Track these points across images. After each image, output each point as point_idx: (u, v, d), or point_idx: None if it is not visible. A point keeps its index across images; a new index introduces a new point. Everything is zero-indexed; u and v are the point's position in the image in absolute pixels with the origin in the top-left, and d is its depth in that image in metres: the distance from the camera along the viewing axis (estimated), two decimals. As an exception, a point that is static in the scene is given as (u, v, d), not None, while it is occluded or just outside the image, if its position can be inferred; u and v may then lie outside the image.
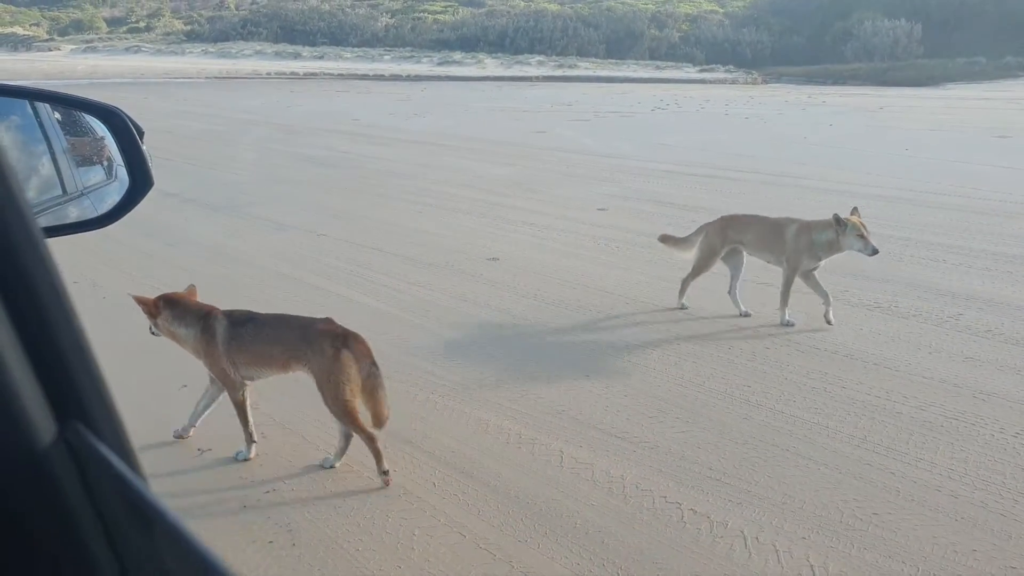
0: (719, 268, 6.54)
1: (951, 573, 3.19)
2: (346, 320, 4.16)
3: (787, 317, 6.09)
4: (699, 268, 6.45)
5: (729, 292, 6.43)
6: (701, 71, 65.10)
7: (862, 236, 5.72)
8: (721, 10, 79.32)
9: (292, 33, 65.86)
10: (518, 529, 3.55)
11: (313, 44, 64.15)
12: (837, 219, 5.80)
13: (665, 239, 6.81)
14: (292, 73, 49.40)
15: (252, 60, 55.90)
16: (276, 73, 48.91)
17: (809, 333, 5.96)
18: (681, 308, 6.48)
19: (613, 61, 65.09)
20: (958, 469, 3.97)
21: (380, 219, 10.29)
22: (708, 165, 15.11)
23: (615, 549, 3.40)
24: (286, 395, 4.68)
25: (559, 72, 58.15)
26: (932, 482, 3.86)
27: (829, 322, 6.00)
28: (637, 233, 9.40)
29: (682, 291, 6.54)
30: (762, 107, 32.26)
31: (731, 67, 68.87)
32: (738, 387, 5.00)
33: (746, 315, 6.29)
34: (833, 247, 5.90)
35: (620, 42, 69.02)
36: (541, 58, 62.99)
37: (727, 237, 6.35)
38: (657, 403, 4.80)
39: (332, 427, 4.09)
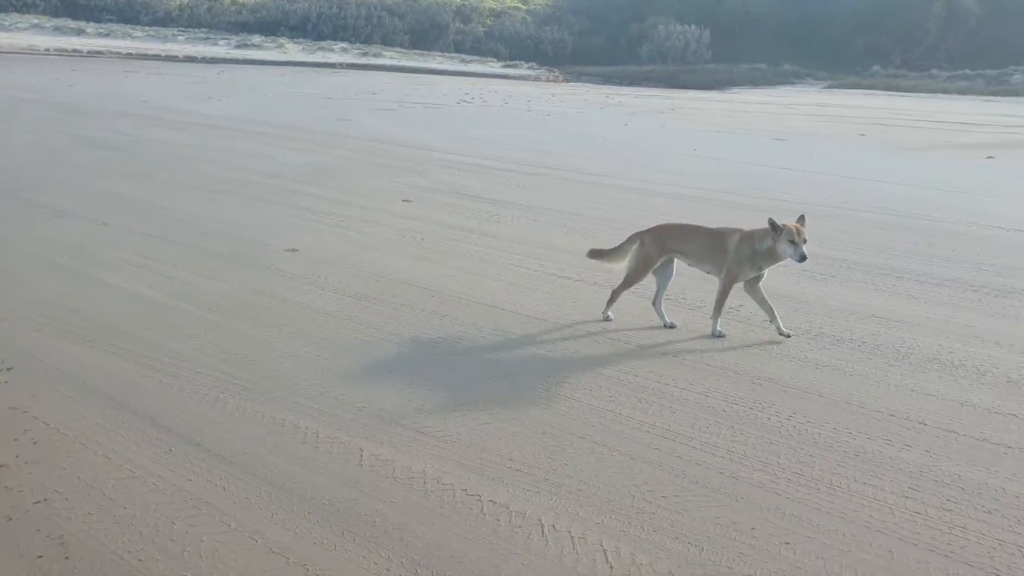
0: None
1: (732, 551, 3.36)
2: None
3: (719, 328, 5.98)
4: (632, 279, 6.15)
5: (654, 303, 6.22)
6: (505, 66, 66.14)
7: (793, 242, 5.62)
8: (524, 7, 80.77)
9: (74, 7, 61.21)
10: (314, 532, 3.44)
11: (99, 20, 59.97)
12: (773, 224, 5.67)
13: (595, 254, 6.48)
14: (74, 50, 45.97)
15: (27, 34, 51.49)
16: (56, 50, 45.37)
17: (606, 326, 6.14)
18: (605, 320, 6.20)
19: (419, 52, 64.90)
20: (738, 451, 4.20)
21: (170, 207, 9.74)
22: (512, 160, 15.35)
23: (414, 545, 3.35)
24: (61, 395, 4.31)
25: (363, 60, 57.30)
26: (715, 464, 4.07)
27: (785, 335, 5.93)
28: (442, 225, 9.41)
29: (610, 302, 6.26)
30: (563, 105, 33.18)
31: (534, 64, 70.38)
32: (539, 378, 5.08)
33: (671, 327, 6.10)
34: (772, 255, 5.78)
35: (425, 33, 68.91)
36: (345, 45, 61.86)
37: (665, 247, 6.09)
38: (460, 397, 4.80)
39: (117, 431, 3.80)
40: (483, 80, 51.87)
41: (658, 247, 6.09)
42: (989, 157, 18.56)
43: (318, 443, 4.18)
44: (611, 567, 3.25)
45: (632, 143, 19.98)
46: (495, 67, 66.75)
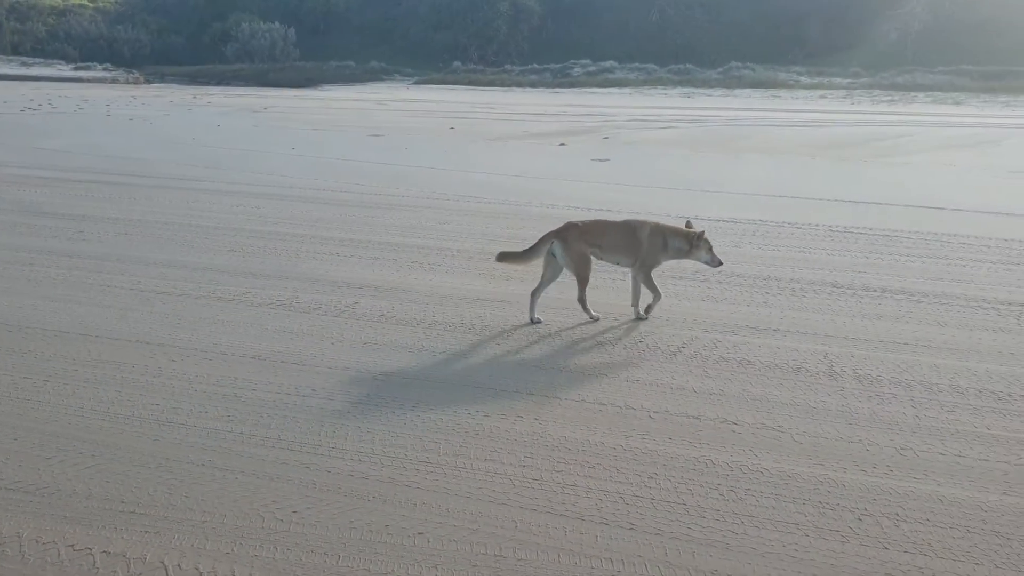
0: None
1: (368, 552, 3.34)
2: None
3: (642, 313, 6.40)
4: (584, 277, 6.27)
5: (532, 293, 6.36)
6: (76, 69, 60.49)
7: (711, 250, 6.31)
8: (91, 5, 74.44)
9: None
10: None
11: None
12: (694, 232, 6.32)
13: (504, 257, 6.50)
14: None
15: None
16: None
17: (206, 345, 5.82)
18: (534, 323, 6.26)
19: (-34, 54, 57.18)
20: (366, 451, 4.20)
21: None
22: (94, 170, 14.05)
23: (11, 625, 2.90)
24: None
25: None
26: (344, 469, 4.02)
27: (642, 317, 6.37)
28: (14, 249, 8.32)
29: (532, 305, 6.33)
30: (147, 108, 31.09)
31: (109, 65, 65.16)
32: (146, 407, 4.67)
33: (538, 322, 6.26)
34: (680, 254, 6.33)
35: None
36: None
37: (588, 243, 6.20)
38: (55, 440, 4.25)
39: None
40: (51, 84, 46.84)
41: (583, 243, 6.19)
42: (562, 144, 20.56)
43: None
44: (247, 597, 3.07)
45: (226, 144, 19.25)
46: (64, 70, 60.77)
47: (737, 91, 51.58)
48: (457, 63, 70.55)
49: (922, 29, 63.19)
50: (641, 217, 6.80)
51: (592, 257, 6.30)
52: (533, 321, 6.28)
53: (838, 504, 3.70)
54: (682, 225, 6.56)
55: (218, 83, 63.77)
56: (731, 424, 4.52)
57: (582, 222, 6.40)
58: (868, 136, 23.40)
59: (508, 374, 5.25)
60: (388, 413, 4.65)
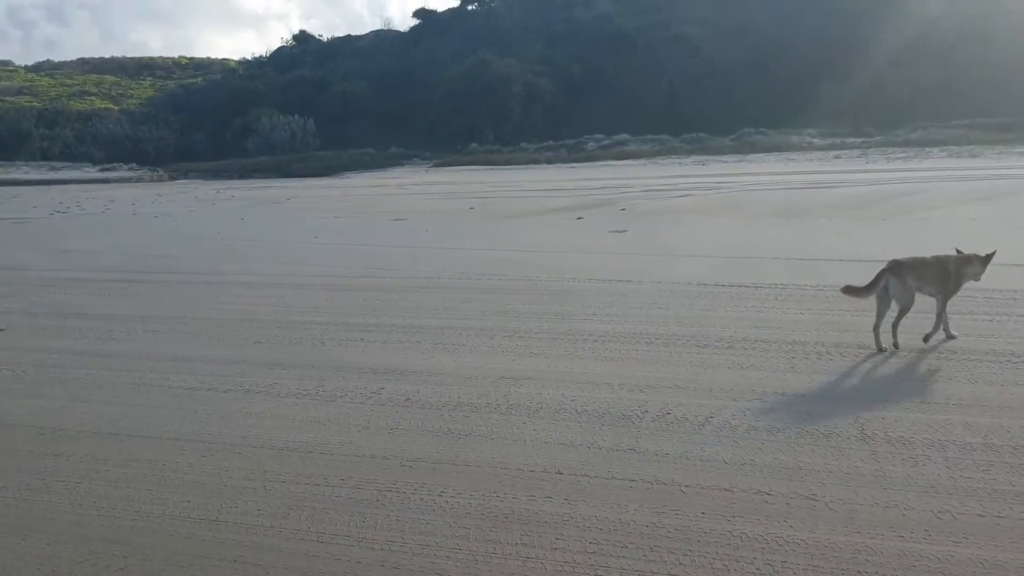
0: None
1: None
2: None
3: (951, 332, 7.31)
4: (906, 309, 7.15)
5: (875, 328, 7.19)
6: (102, 170, 62.16)
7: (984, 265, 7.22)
8: (116, 107, 76.87)
9: None
10: None
11: None
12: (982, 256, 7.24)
13: (849, 291, 7.39)
14: None
15: None
16: None
17: (234, 433, 5.86)
18: (881, 351, 7.05)
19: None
20: (395, 540, 4.18)
21: None
22: (122, 269, 14.33)
23: None
24: None
25: (-72, 176, 50.77)
26: (375, 560, 4.00)
27: (952, 336, 7.22)
28: (45, 351, 8.45)
29: (887, 332, 7.11)
30: (172, 204, 31.78)
31: (134, 165, 66.95)
32: (178, 505, 4.69)
33: (883, 350, 7.06)
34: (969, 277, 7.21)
35: (6, 143, 62.75)
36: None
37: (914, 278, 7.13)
38: (86, 544, 4.27)
39: None
40: (79, 187, 48.08)
41: (909, 279, 7.04)
42: (579, 218, 20.76)
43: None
44: None
45: (250, 236, 19.60)
46: (91, 172, 62.44)
47: (751, 156, 52.01)
48: (474, 144, 71.86)
49: (933, 84, 63.74)
50: (943, 253, 7.42)
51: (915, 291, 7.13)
52: (880, 349, 7.09)
53: (877, 572, 3.63)
54: (954, 252, 7.36)
55: (240, 177, 65.17)
56: (764, 495, 4.46)
57: (910, 259, 7.20)
58: (885, 194, 23.44)
59: (536, 453, 5.23)
60: (416, 500, 4.63)
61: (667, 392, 6.28)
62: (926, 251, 7.50)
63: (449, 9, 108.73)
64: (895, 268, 7.11)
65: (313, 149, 77.24)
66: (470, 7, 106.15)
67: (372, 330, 8.85)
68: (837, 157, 46.96)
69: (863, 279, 7.40)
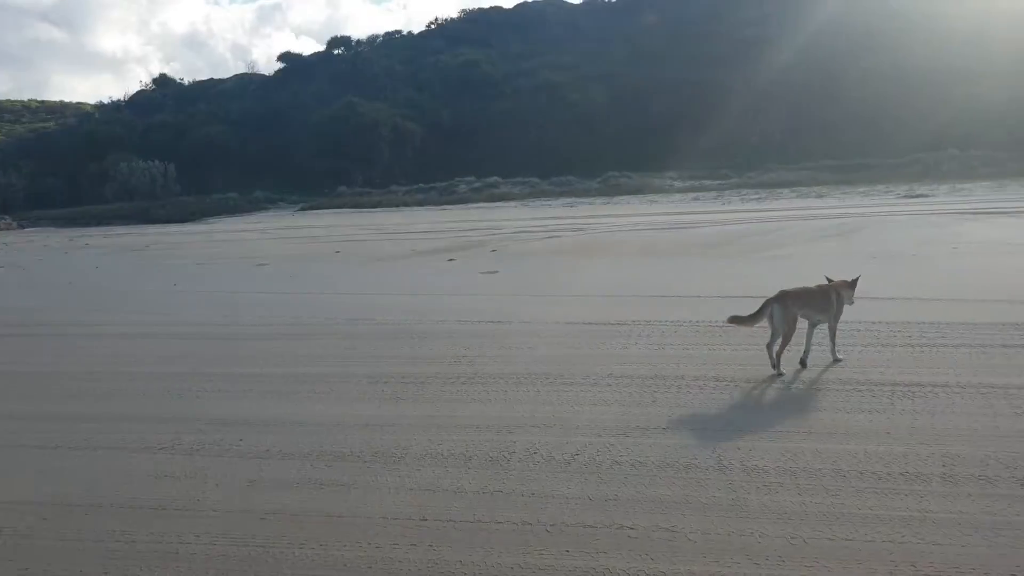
0: None
1: None
2: None
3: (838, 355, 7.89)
4: (789, 336, 7.59)
5: (768, 346, 7.57)
6: (-59, 219, 58.28)
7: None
8: (-42, 152, 72.49)
9: None
10: None
11: None
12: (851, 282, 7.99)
13: (735, 320, 7.72)
14: None
15: None
16: None
17: (79, 493, 5.51)
18: (779, 375, 7.44)
19: None
20: (252, 598, 3.99)
21: None
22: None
23: None
24: None
25: None
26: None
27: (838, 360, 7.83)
28: None
29: (777, 358, 7.50)
30: (20, 254, 30.11)
31: (-21, 212, 63.08)
32: (16, 572, 4.34)
33: (781, 374, 7.42)
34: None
35: None
36: None
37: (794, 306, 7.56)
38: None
39: None
40: (-86, 236, 44.85)
41: (793, 308, 7.47)
42: (450, 259, 20.78)
43: None
44: None
45: (104, 286, 18.72)
46: (-73, 221, 58.54)
47: (617, 198, 53.51)
48: (343, 187, 71.11)
49: (783, 129, 67.52)
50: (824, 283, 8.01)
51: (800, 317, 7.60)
52: (778, 373, 7.46)
53: (734, 601, 3.70)
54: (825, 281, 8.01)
55: (98, 224, 62.49)
56: (627, 529, 4.50)
57: (796, 290, 7.72)
58: (741, 233, 24.50)
59: (400, 501, 5.12)
60: (276, 553, 4.45)
61: (534, 432, 6.29)
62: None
63: (315, 53, 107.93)
64: (780, 298, 7.53)
65: (175, 195, 74.85)
66: (336, 51, 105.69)
67: (231, 380, 8.53)
68: (696, 199, 48.85)
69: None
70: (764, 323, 7.59)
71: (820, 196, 44.17)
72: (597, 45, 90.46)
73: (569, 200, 55.15)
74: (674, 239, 23.71)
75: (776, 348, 7.52)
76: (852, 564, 3.98)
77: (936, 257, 15.77)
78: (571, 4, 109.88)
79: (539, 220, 36.63)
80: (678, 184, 58.15)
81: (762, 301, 7.60)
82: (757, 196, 47.35)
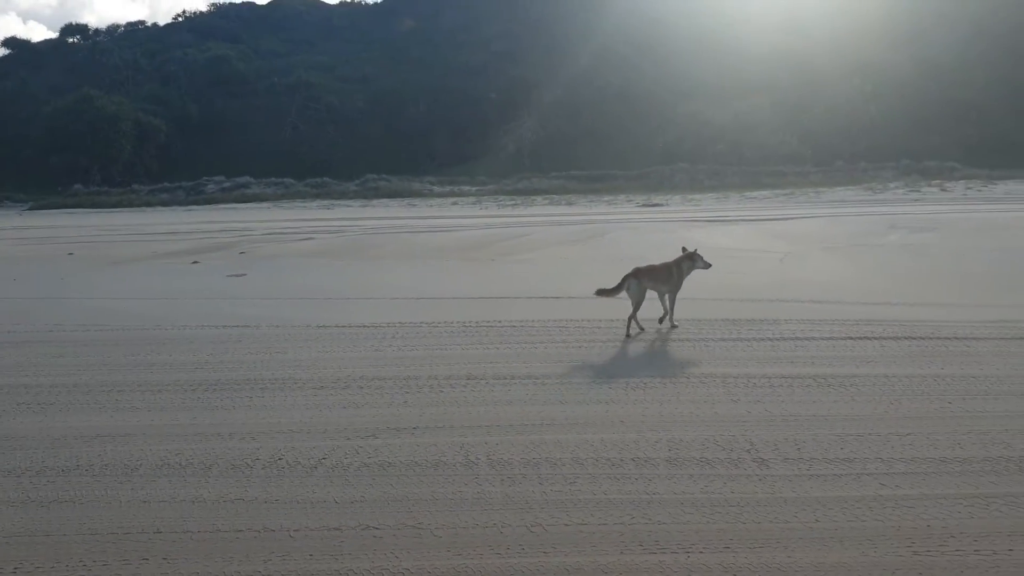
0: None
1: None
2: None
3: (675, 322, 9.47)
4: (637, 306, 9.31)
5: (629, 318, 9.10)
6: None
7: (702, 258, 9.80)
8: None
9: None
10: None
11: None
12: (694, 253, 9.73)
13: (602, 292, 9.47)
14: None
15: None
16: None
17: None
18: (639, 332, 9.39)
19: None
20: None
21: None
22: None
23: None
24: None
25: None
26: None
27: (673, 326, 9.43)
28: None
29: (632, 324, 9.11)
30: None
31: None
32: None
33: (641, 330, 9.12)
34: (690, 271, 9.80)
35: None
36: None
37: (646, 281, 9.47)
38: None
39: None
40: None
41: (645, 281, 9.25)
42: (195, 262, 19.74)
43: None
44: None
45: None
46: None
47: (375, 201, 53.27)
48: (78, 186, 65.71)
49: (535, 140, 70.34)
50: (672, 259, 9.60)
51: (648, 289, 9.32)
52: (630, 335, 9.13)
53: (476, 592, 3.77)
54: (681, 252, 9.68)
55: None
56: (372, 529, 4.47)
57: (646, 267, 9.48)
58: (495, 237, 25.16)
59: (132, 514, 4.80)
60: None
61: (280, 437, 6.11)
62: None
63: (46, 40, 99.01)
64: (636, 273, 9.33)
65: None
66: (71, 40, 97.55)
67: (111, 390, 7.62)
68: (455, 203, 49.62)
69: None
70: (623, 295, 9.25)
71: (570, 204, 46.25)
72: (355, 47, 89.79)
73: (326, 202, 54.20)
74: (432, 242, 23.92)
75: (629, 315, 9.19)
76: (586, 547, 4.18)
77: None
78: (327, 4, 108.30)
79: (293, 222, 35.68)
80: (437, 189, 58.84)
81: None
82: (513, 202, 48.83)
